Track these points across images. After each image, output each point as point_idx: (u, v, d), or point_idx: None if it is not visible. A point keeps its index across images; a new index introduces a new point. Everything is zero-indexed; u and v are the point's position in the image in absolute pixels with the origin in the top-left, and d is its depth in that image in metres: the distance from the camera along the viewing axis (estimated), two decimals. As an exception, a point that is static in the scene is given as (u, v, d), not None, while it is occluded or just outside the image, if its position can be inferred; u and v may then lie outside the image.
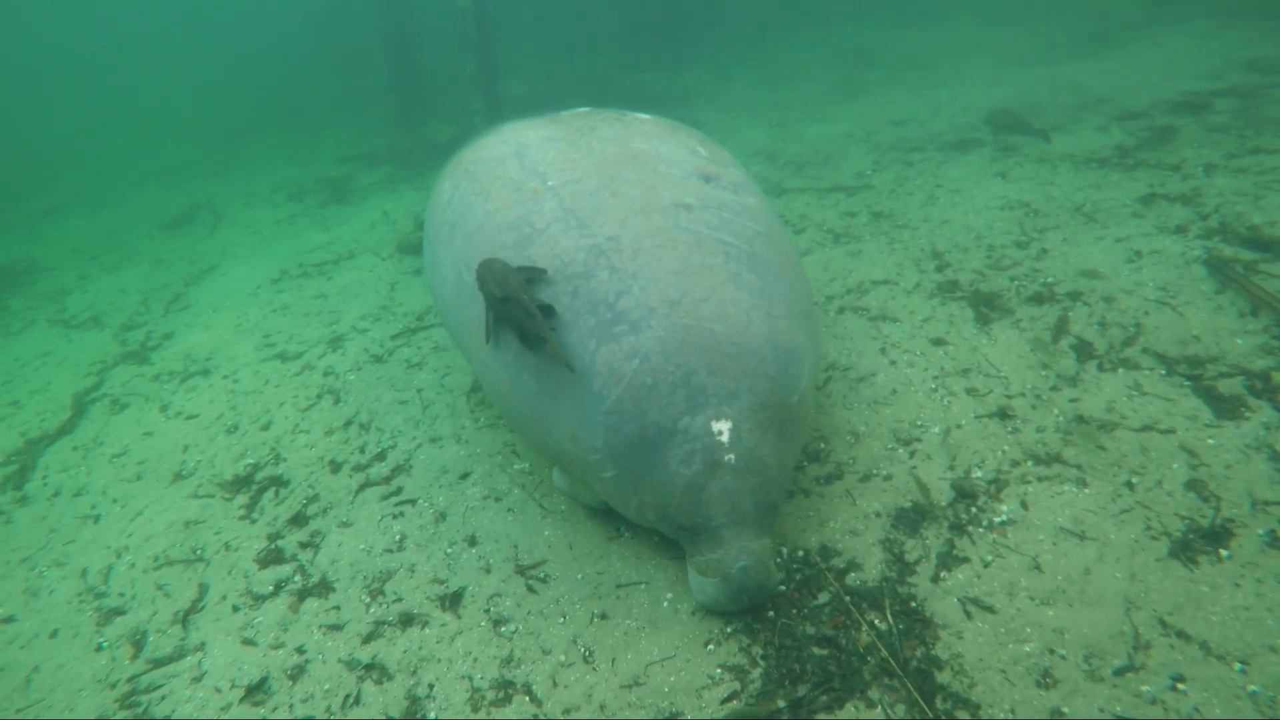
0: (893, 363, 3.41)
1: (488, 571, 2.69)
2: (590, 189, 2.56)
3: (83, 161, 13.49)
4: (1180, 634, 2.06)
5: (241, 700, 2.38)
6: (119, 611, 2.88)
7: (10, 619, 2.97)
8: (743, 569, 2.19)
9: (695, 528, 2.24)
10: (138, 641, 2.71)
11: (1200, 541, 2.32)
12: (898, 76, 8.89)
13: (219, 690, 2.43)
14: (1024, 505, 2.55)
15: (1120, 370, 3.08)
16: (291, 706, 2.32)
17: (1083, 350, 3.23)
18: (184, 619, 2.76)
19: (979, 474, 2.71)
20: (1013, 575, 2.31)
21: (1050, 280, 3.77)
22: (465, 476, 3.20)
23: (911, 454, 2.86)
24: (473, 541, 2.84)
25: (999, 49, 9.18)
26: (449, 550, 2.82)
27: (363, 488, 3.27)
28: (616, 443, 2.25)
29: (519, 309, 2.32)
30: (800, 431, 2.42)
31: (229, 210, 8.66)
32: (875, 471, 2.81)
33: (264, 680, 2.43)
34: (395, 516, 3.05)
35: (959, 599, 2.27)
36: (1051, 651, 2.08)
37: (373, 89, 12.12)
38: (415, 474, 3.28)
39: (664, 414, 2.21)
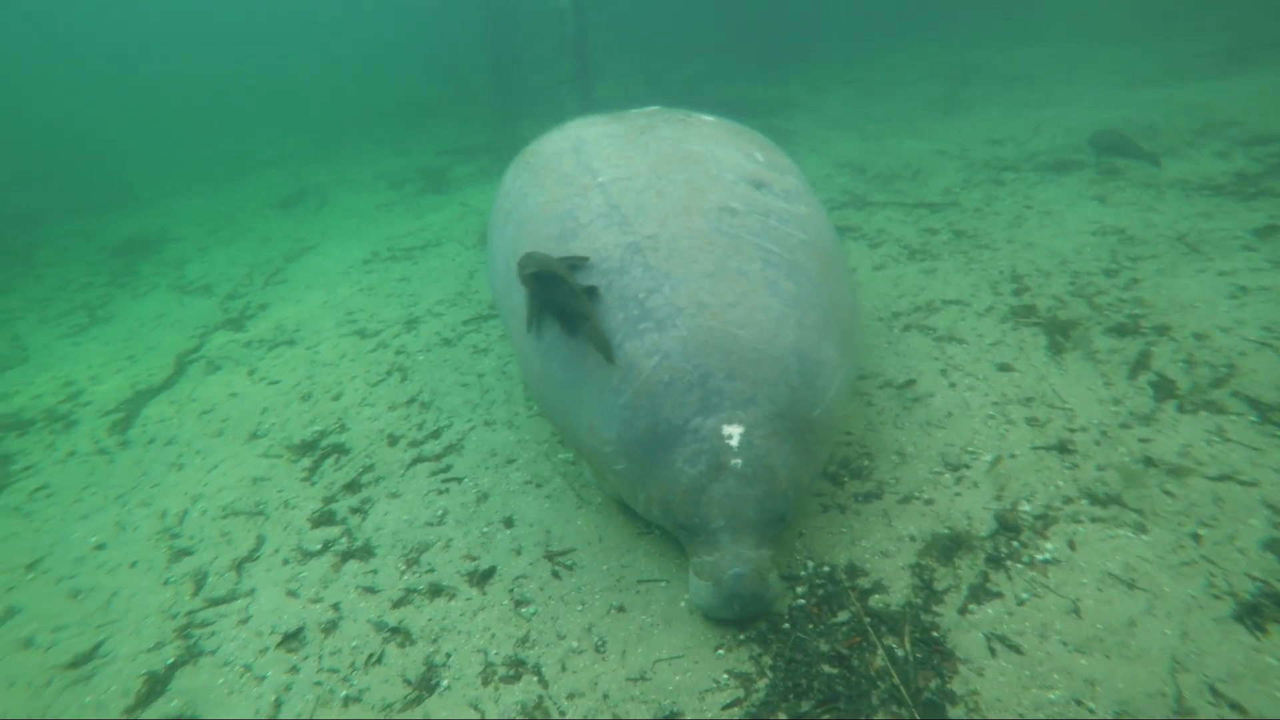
0: (952, 385, 3.27)
1: (518, 553, 2.76)
2: (638, 187, 2.59)
3: (215, 146, 14.71)
4: (1233, 705, 1.89)
5: (278, 646, 2.55)
6: (187, 552, 3.14)
7: (102, 546, 3.29)
8: (736, 576, 2.16)
9: (694, 528, 2.23)
10: (199, 580, 2.95)
11: (1273, 607, 2.11)
12: (998, 95, 8.49)
13: (260, 634, 2.61)
14: (1071, 545, 2.40)
15: (1202, 413, 2.83)
16: (320, 658, 2.47)
17: (1162, 388, 3.00)
18: (240, 566, 2.98)
19: (1026, 507, 2.57)
20: (1047, 617, 2.18)
21: (1137, 312, 3.51)
22: (511, 461, 3.30)
23: (958, 480, 2.74)
24: (509, 523, 2.92)
25: (1110, 69, 8.61)
26: (485, 529, 2.92)
27: (415, 462, 3.42)
28: (629, 436, 2.27)
29: (564, 288, 2.35)
30: (822, 447, 2.36)
31: (333, 195, 9.25)
32: (917, 494, 2.71)
33: (300, 630, 2.60)
34: (441, 492, 3.18)
35: (985, 634, 2.16)
36: (1079, 703, 1.94)
37: (477, 88, 12.65)
38: (466, 454, 3.41)
39: (677, 412, 2.21)
